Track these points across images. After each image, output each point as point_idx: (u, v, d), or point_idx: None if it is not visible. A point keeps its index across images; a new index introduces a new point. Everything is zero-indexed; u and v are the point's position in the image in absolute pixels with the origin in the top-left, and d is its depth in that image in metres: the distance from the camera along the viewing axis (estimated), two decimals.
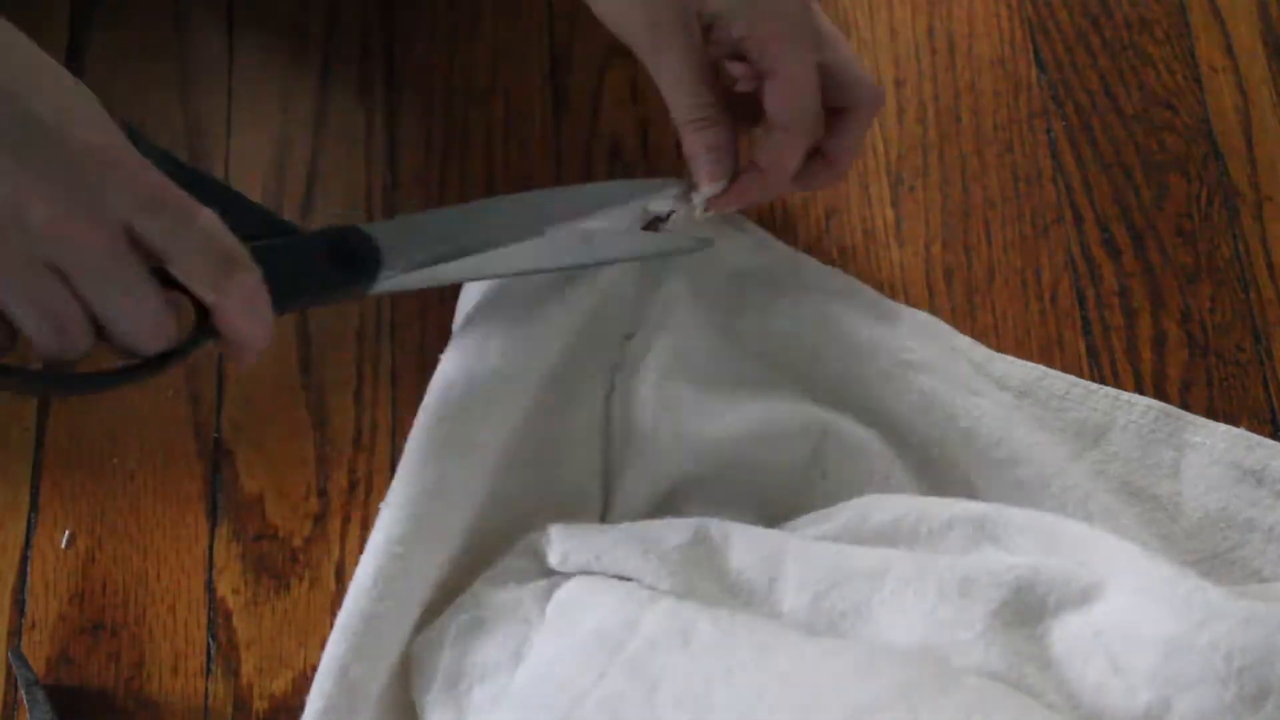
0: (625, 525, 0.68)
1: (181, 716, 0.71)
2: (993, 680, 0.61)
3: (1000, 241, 0.80)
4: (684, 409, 0.70)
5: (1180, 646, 0.60)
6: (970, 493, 0.71)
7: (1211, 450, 0.72)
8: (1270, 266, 0.79)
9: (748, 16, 0.69)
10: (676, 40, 0.69)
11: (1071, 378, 0.75)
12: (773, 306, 0.75)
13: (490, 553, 0.68)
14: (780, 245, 0.78)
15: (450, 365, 0.70)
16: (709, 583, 0.65)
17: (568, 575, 0.66)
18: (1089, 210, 0.80)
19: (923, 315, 0.76)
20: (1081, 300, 0.78)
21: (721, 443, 0.70)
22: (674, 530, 0.66)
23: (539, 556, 0.67)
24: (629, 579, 0.65)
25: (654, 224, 0.73)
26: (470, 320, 0.72)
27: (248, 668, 0.71)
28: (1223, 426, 0.74)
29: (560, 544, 0.66)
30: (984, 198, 0.81)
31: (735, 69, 0.70)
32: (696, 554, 0.65)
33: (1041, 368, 0.75)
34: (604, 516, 0.71)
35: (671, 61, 0.70)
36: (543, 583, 0.66)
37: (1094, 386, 0.75)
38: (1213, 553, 0.71)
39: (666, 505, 0.70)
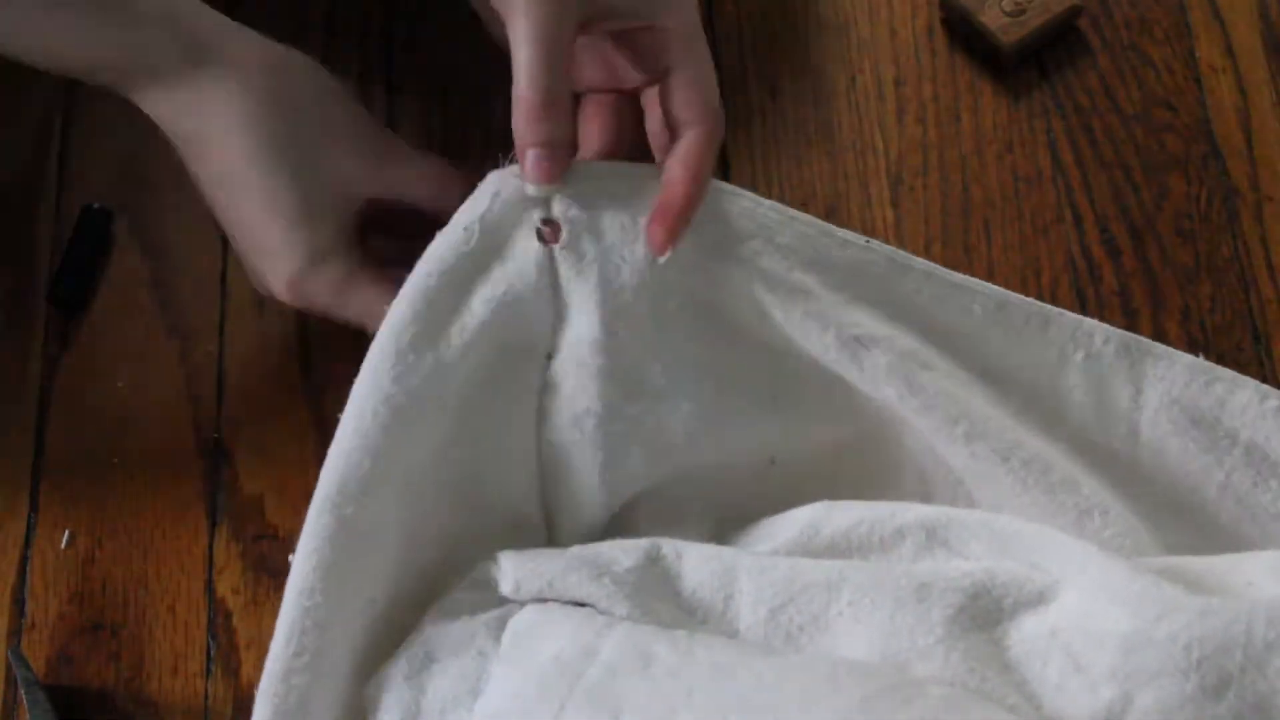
0: (576, 549, 0.66)
1: (181, 716, 0.71)
2: (954, 687, 0.61)
3: (1000, 241, 0.80)
4: (627, 425, 0.67)
5: (1139, 641, 0.60)
6: (926, 473, 0.70)
7: (1169, 389, 0.70)
8: (1270, 266, 0.79)
9: (651, 12, 0.67)
10: (552, 4, 0.64)
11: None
12: (705, 297, 0.69)
13: (433, 585, 0.67)
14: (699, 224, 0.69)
15: (353, 397, 0.66)
16: (665, 604, 0.64)
17: (521, 604, 0.65)
18: (1089, 210, 0.80)
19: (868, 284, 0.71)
20: (1081, 300, 0.78)
21: (669, 453, 0.68)
22: (626, 552, 0.65)
23: (491, 586, 0.66)
24: (584, 604, 0.64)
25: (552, 225, 0.66)
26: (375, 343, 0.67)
27: (248, 668, 0.71)
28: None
29: (512, 572, 0.65)
30: (984, 198, 0.81)
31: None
32: (650, 575, 0.65)
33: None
34: (552, 537, 0.70)
35: (539, 25, 0.64)
36: (496, 612, 0.65)
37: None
38: (1172, 503, 0.69)
39: (616, 517, 0.69)
